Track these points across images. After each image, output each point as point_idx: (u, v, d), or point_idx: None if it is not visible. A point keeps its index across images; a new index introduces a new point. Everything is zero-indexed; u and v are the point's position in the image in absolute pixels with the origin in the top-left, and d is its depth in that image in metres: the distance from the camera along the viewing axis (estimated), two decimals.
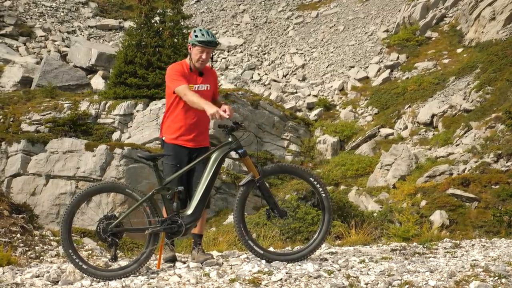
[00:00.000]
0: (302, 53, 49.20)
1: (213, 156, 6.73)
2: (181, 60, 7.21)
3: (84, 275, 6.56)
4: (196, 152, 6.95)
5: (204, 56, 6.90)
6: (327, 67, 46.38)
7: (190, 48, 6.95)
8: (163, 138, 7.08)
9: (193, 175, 6.95)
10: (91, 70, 44.39)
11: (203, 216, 6.95)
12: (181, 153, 6.95)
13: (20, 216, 10.46)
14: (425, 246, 8.34)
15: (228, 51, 51.85)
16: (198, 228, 7.07)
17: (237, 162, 29.59)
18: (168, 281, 6.12)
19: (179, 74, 6.89)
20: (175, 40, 35.36)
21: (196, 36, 6.89)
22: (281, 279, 5.89)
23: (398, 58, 44.30)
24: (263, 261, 6.61)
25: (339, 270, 6.34)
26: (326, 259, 6.97)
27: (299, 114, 40.03)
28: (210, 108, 6.52)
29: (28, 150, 26.90)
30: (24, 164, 26.60)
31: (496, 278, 5.72)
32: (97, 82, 41.96)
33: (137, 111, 32.56)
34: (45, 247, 9.44)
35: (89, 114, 30.52)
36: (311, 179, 6.81)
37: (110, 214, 6.64)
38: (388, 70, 43.36)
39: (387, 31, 48.47)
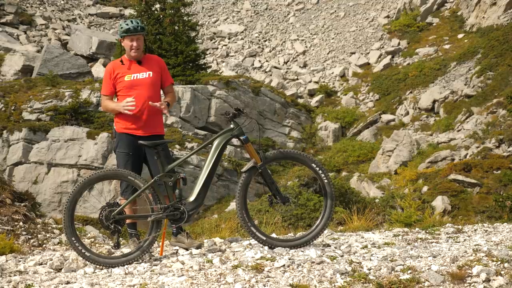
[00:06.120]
0: (303, 40, 49.07)
1: (215, 143, 6.73)
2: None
3: (87, 262, 6.58)
4: (147, 139, 6.88)
5: (134, 44, 7.00)
6: (328, 54, 46.28)
7: (122, 43, 7.09)
8: (115, 128, 7.17)
9: (148, 163, 7.07)
10: (92, 58, 44.33)
11: None
12: (132, 141, 6.98)
13: (22, 204, 10.46)
14: (427, 231, 8.34)
15: (228, 38, 51.71)
16: None
17: (238, 149, 29.58)
18: (171, 267, 6.13)
19: (108, 77, 7.10)
20: (176, 28, 35.26)
21: (122, 27, 7.03)
22: (284, 265, 5.89)
23: (399, 44, 44.21)
24: (266, 247, 6.61)
25: (342, 256, 6.34)
26: (328, 245, 6.97)
27: (300, 100, 40.00)
28: (117, 107, 6.93)
29: (30, 138, 26.87)
30: (26, 153, 26.58)
31: (499, 262, 5.72)
32: (98, 70, 41.87)
33: None
34: (47, 235, 9.45)
35: (91, 102, 30.36)
36: (313, 165, 6.80)
37: (113, 201, 6.65)
38: (389, 56, 43.28)
39: (388, 17, 48.33)
